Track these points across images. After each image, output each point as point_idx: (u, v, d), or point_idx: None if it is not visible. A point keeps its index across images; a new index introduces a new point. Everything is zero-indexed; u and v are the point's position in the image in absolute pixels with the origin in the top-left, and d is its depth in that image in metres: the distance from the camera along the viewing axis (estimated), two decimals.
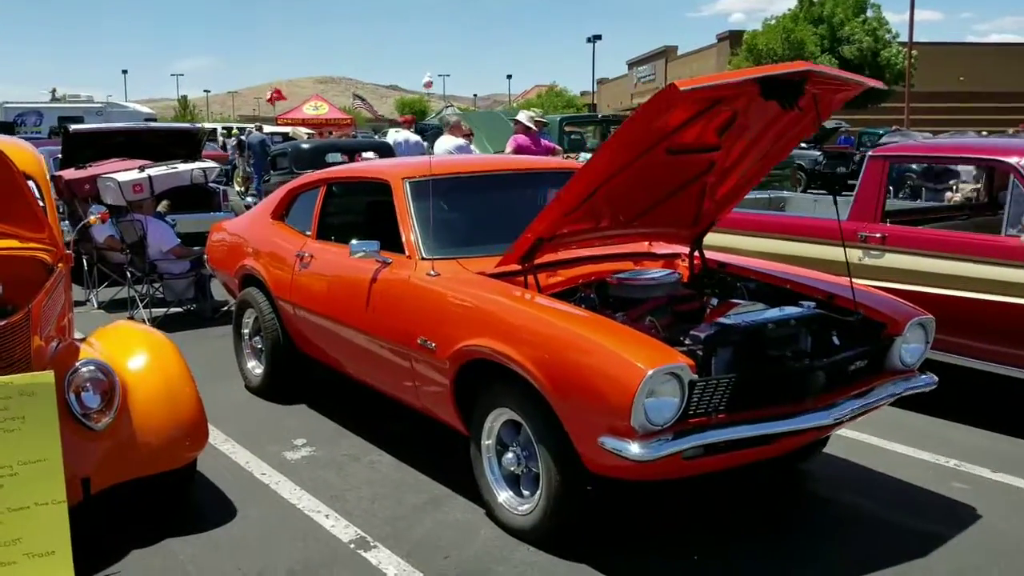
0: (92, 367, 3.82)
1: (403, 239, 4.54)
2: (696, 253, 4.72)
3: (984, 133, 23.42)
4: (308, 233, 5.48)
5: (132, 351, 4.10)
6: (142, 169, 8.19)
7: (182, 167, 8.58)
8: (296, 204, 5.83)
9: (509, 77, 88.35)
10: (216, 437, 4.93)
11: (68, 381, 3.74)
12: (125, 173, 8.06)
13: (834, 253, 5.85)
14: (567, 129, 12.75)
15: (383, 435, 5.19)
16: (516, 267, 4.18)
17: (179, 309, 8.47)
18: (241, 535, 3.97)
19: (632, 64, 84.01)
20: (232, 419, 5.43)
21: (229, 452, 4.95)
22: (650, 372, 3.19)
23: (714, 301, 4.32)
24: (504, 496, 3.95)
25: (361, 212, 5.44)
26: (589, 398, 3.35)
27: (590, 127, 14.43)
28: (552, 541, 3.75)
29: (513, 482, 3.97)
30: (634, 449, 3.25)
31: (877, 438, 5.07)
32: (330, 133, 26.51)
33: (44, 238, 4.29)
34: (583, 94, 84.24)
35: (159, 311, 8.29)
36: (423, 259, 4.39)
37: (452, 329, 4.00)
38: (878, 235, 5.64)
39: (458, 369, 3.99)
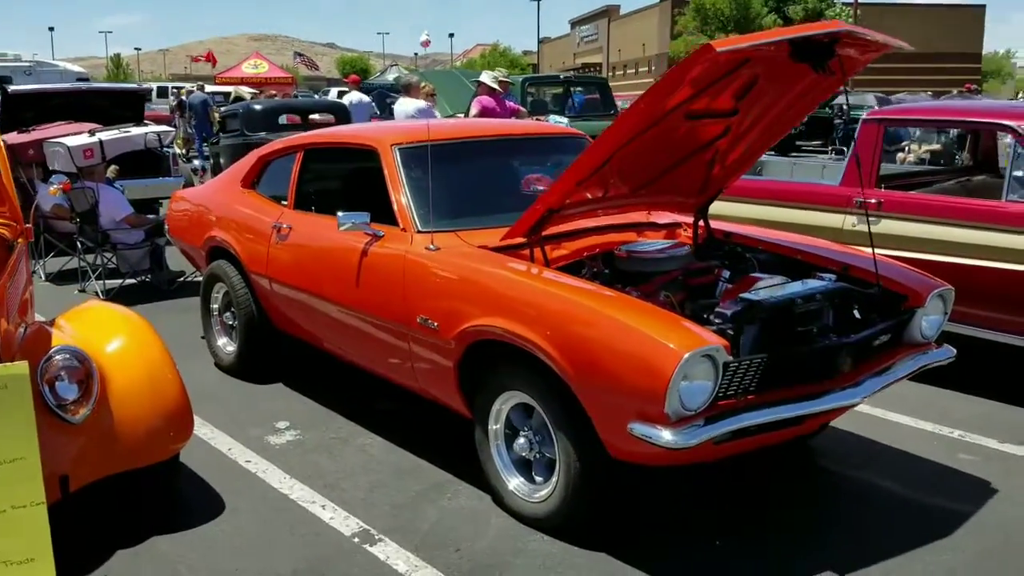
0: (66, 354, 3.50)
1: (395, 210, 4.25)
2: (701, 223, 4.53)
3: (928, 93, 23.65)
4: (284, 203, 5.15)
5: (108, 334, 3.78)
6: (92, 133, 7.71)
7: (135, 131, 8.11)
8: (269, 171, 5.48)
9: (451, 36, 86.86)
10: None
11: (41, 370, 3.42)
12: (74, 137, 7.58)
13: (827, 219, 5.75)
14: (529, 90, 12.47)
15: (370, 415, 4.94)
16: (520, 240, 3.95)
17: (133, 280, 8.05)
18: (234, 531, 3.71)
19: (575, 23, 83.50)
20: (207, 401, 5.11)
21: (208, 438, 4.66)
22: (686, 355, 2.99)
23: (726, 273, 4.14)
24: (515, 483, 3.74)
25: (344, 181, 5.13)
26: (617, 383, 3.14)
27: (553, 88, 14.14)
28: (570, 530, 3.56)
29: (523, 467, 3.76)
30: (666, 436, 3.05)
31: (878, 409, 4.96)
32: (260, 93, 25.45)
33: (4, 211, 3.93)
34: (526, 53, 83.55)
35: (112, 283, 7.86)
36: (419, 232, 4.12)
37: (457, 307, 3.75)
38: (874, 201, 5.50)
39: (464, 350, 3.75)
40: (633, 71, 70.31)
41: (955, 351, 4.06)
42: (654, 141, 3.75)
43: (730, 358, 3.14)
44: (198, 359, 5.83)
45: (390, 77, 40.04)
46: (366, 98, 14.88)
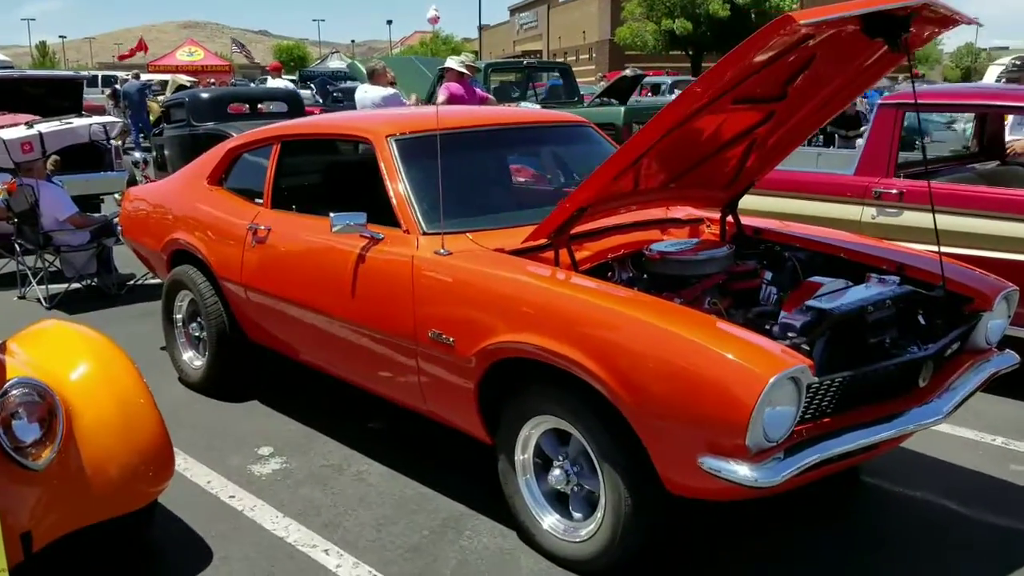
0: (25, 388, 2.94)
1: (396, 210, 3.76)
2: (729, 218, 4.12)
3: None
4: (259, 201, 4.61)
5: (70, 361, 3.23)
6: (30, 125, 7.02)
7: (77, 122, 7.42)
8: (239, 166, 4.93)
9: (389, 23, 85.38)
10: None
11: None
12: (10, 130, 6.89)
13: (842, 211, 5.41)
14: (492, 77, 11.96)
15: (362, 437, 4.45)
16: (542, 241, 3.50)
17: (79, 285, 7.40)
18: None
19: (514, 10, 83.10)
20: (176, 425, 4.48)
21: (183, 469, 4.11)
22: (772, 379, 2.57)
23: (768, 275, 3.74)
24: (550, 521, 3.29)
25: (330, 176, 4.61)
26: (685, 411, 2.71)
27: (513, 74, 13.64)
28: (617, 572, 3.13)
29: (558, 501, 3.32)
30: (744, 472, 2.64)
31: None
32: (199, 81, 24.47)
33: None
34: (465, 40, 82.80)
35: (56, 288, 7.20)
36: (425, 234, 3.64)
37: (479, 321, 3.28)
38: (894, 191, 5.16)
39: (486, 369, 3.29)
40: (574, 58, 70.08)
41: (1018, 357, 3.71)
42: (695, 130, 3.33)
43: (815, 379, 2.74)
44: (160, 374, 5.26)
45: (331, 65, 39.28)
46: (290, 85, 14.48)
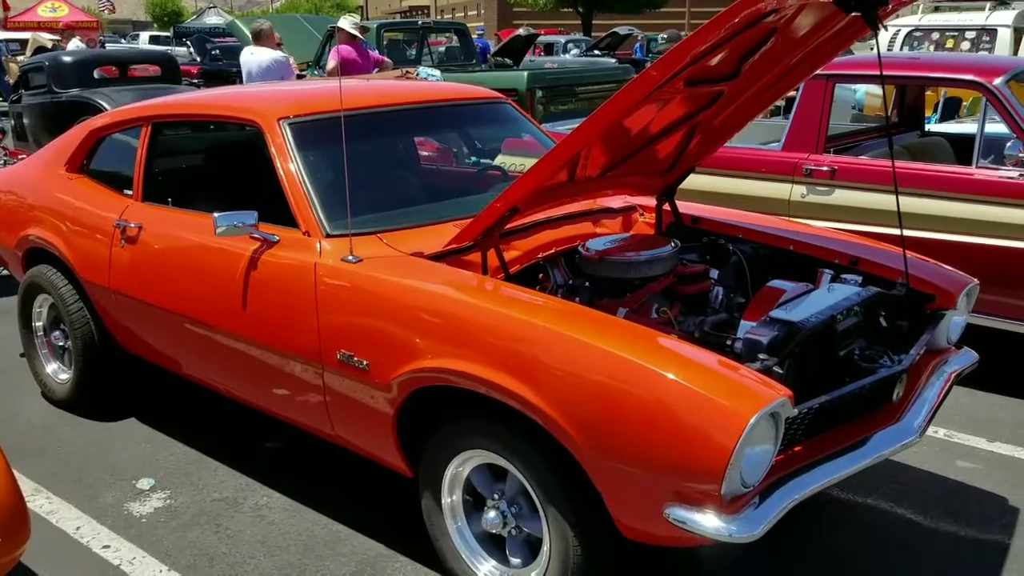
0: None
1: (293, 208, 3.22)
2: (666, 206, 3.73)
3: None
4: (128, 193, 3.98)
5: None
6: None
7: None
8: (104, 150, 4.26)
9: None
10: (21, 486, 3.46)
11: None
12: None
13: (769, 189, 5.11)
14: (387, 37, 11.24)
15: (258, 460, 3.93)
16: (466, 243, 3.04)
17: None
18: None
19: None
20: (39, 453, 3.96)
21: (46, 512, 3.52)
22: (753, 419, 2.19)
23: (714, 274, 3.38)
24: (487, 568, 2.86)
25: (212, 165, 4.01)
26: (649, 455, 2.31)
27: (409, 34, 12.93)
28: None
29: (492, 543, 2.90)
30: (718, 524, 2.26)
31: None
32: (63, 39, 22.56)
33: None
34: None
35: None
36: (329, 236, 3.12)
37: (397, 342, 2.80)
38: (825, 168, 4.87)
39: (407, 396, 2.82)
40: (462, 14, 68.90)
41: (977, 355, 3.45)
42: (639, 115, 2.91)
43: (795, 411, 2.37)
44: (19, 389, 4.62)
45: (208, 21, 37.44)
46: (81, 44, 13.50)
